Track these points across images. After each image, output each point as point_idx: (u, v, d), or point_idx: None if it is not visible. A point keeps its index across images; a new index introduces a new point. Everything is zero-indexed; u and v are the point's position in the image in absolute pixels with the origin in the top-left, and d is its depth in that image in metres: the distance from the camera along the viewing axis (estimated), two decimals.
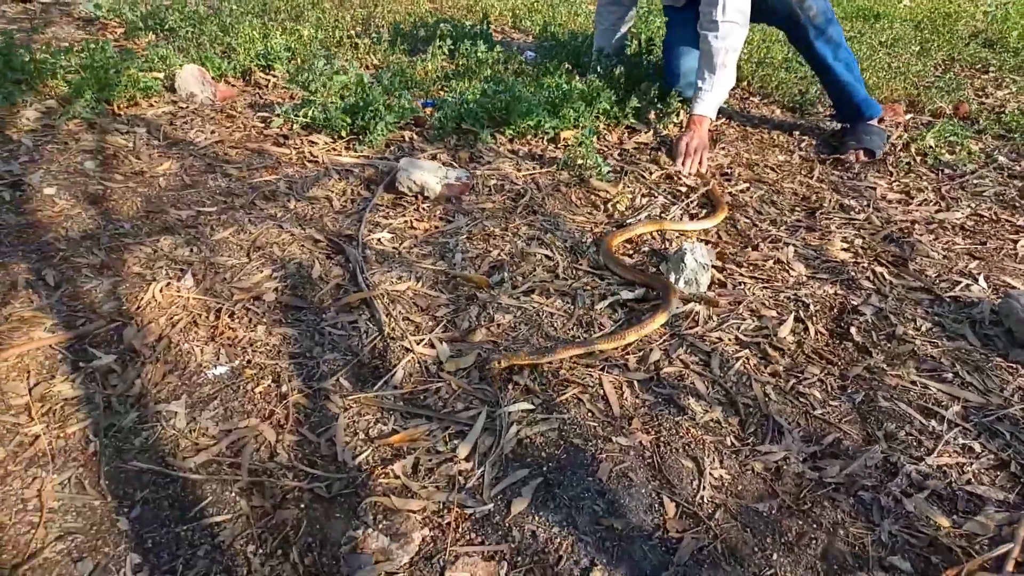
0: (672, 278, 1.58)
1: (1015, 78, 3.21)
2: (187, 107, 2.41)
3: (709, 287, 1.59)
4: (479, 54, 2.79)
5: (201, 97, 2.47)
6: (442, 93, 2.63)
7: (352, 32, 3.13)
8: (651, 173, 2.16)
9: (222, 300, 1.45)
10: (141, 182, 1.91)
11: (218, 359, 1.30)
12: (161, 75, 2.54)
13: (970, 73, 3.31)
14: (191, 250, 1.61)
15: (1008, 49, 3.60)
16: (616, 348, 1.38)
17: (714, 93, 2.24)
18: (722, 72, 2.20)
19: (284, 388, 1.25)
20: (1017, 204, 2.04)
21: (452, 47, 2.91)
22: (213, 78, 2.58)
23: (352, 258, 1.61)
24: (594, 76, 2.54)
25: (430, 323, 1.44)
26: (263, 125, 2.31)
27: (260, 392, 1.23)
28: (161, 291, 1.45)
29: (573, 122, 2.36)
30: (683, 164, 2.17)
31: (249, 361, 1.30)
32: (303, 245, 1.68)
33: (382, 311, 1.45)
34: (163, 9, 3.22)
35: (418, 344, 1.37)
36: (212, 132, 2.24)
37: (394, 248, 1.69)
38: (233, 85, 2.64)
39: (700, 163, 2.18)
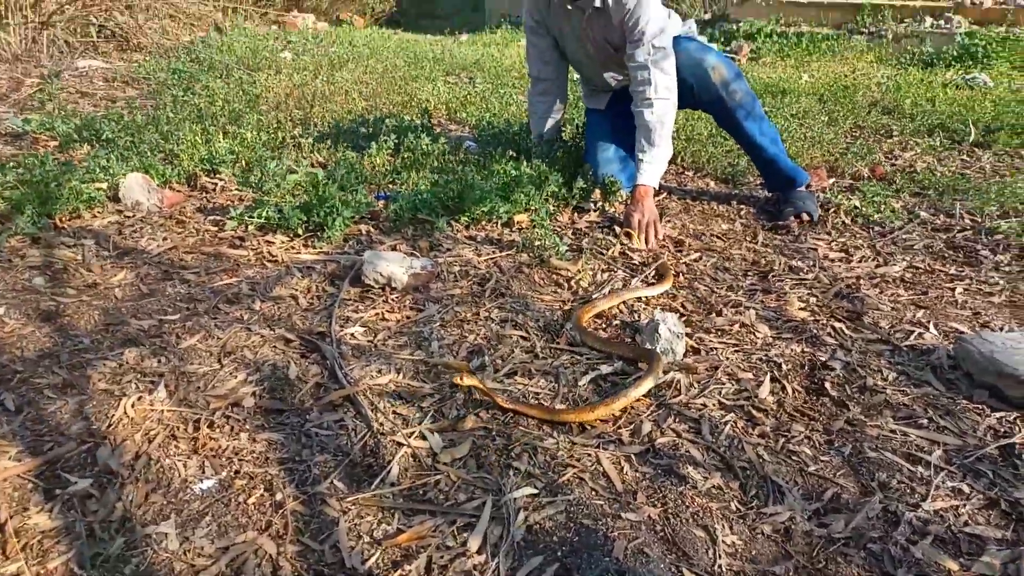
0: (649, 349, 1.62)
1: (917, 140, 3.50)
2: (134, 216, 2.37)
3: (684, 355, 1.63)
4: (424, 146, 2.86)
5: (147, 205, 2.44)
6: (393, 186, 2.67)
7: (294, 133, 3.17)
8: (608, 249, 2.23)
9: (199, 410, 1.40)
10: (96, 295, 1.85)
11: (203, 472, 1.25)
12: (104, 185, 2.50)
13: (877, 138, 3.59)
14: (159, 360, 1.56)
15: (905, 115, 3.93)
16: (597, 418, 1.39)
17: (655, 164, 2.38)
18: (660, 144, 2.37)
19: (278, 496, 1.20)
20: (946, 255, 2.20)
21: (396, 141, 2.97)
22: (158, 185, 2.55)
23: (328, 355, 1.59)
24: (538, 161, 2.64)
25: (418, 414, 1.42)
26: (216, 229, 2.29)
27: (253, 503, 1.18)
28: (133, 406, 1.39)
29: (524, 206, 2.43)
30: (639, 239, 2.25)
31: (237, 472, 1.25)
32: (275, 346, 1.64)
33: (367, 406, 1.42)
34: (97, 120, 3.19)
35: (410, 437, 1.34)
36: (164, 239, 2.20)
37: (369, 341, 1.67)
38: (179, 191, 2.61)
39: (656, 234, 2.27)
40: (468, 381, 1.39)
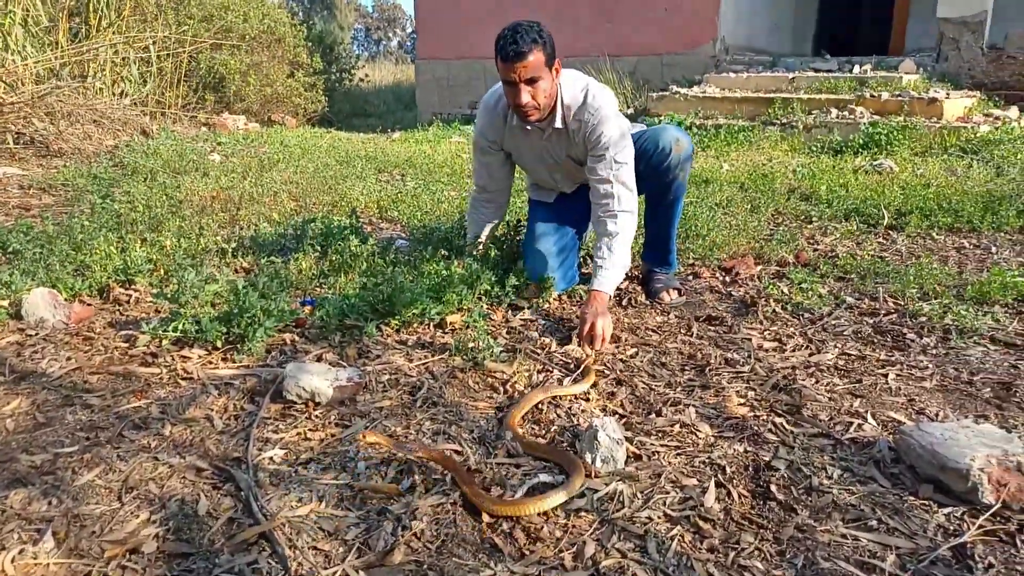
0: (588, 457, 1.54)
1: (835, 225, 3.63)
2: (36, 334, 2.21)
3: (626, 462, 1.56)
4: (353, 248, 2.80)
5: (53, 321, 2.28)
6: (320, 290, 2.59)
7: (217, 238, 3.07)
8: (543, 348, 2.18)
9: (91, 560, 1.24)
10: None
11: None
12: (5, 303, 2.34)
13: (798, 224, 3.72)
14: (49, 503, 1.40)
15: (822, 200, 4.10)
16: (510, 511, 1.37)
17: (613, 272, 2.33)
18: (620, 253, 2.34)
19: None
20: (875, 340, 2.22)
21: (324, 243, 2.90)
22: (66, 299, 2.40)
23: (243, 485, 1.46)
24: (471, 259, 2.60)
25: (341, 549, 1.29)
26: (127, 345, 2.14)
27: None
28: (13, 561, 1.22)
29: (457, 306, 2.38)
30: (598, 345, 2.17)
31: None
32: (184, 477, 1.50)
33: (284, 544, 1.29)
34: (4, 232, 3.02)
35: None
36: (68, 359, 2.04)
37: (289, 466, 1.55)
38: (89, 304, 2.46)
39: (603, 339, 2.18)
40: (371, 439, 1.50)
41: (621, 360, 2.11)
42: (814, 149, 6.05)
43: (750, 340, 2.24)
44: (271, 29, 9.52)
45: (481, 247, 2.71)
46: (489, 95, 2.53)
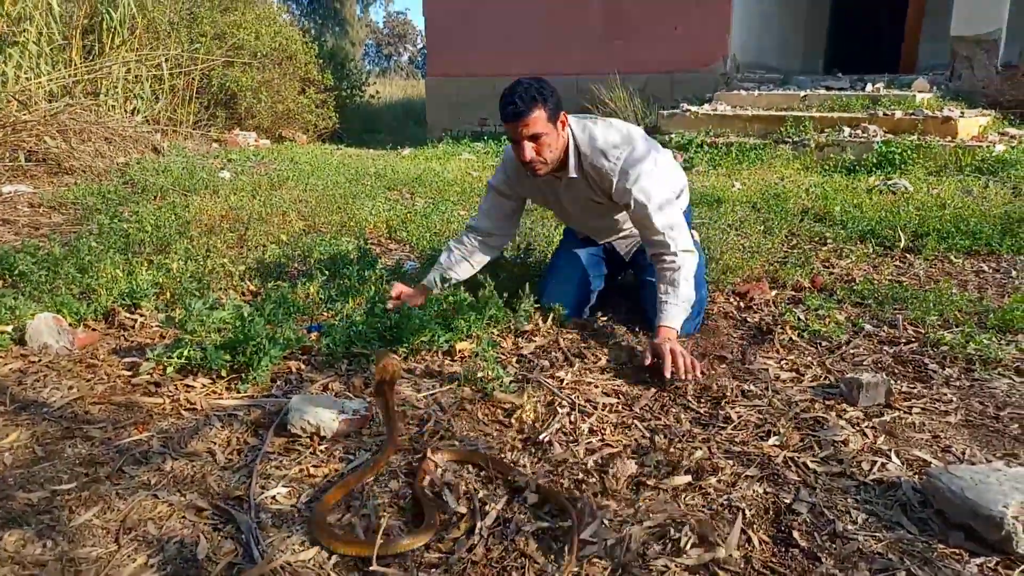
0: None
1: (851, 248, 3.57)
2: (39, 361, 2.18)
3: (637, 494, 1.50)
4: (358, 273, 2.76)
5: (56, 347, 2.25)
6: (327, 316, 2.55)
7: (225, 260, 3.04)
8: (554, 379, 2.12)
9: None
10: None
11: None
12: (9, 328, 2.31)
13: (812, 245, 3.66)
14: (44, 545, 1.35)
15: (836, 222, 4.04)
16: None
17: (678, 308, 2.21)
18: (684, 288, 2.23)
19: None
20: (896, 371, 2.16)
21: (331, 267, 2.87)
22: (70, 324, 2.37)
23: (244, 527, 1.41)
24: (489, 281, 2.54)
25: None
26: (130, 373, 2.10)
27: None
28: None
29: (466, 332, 2.33)
30: (690, 376, 2.05)
31: None
32: (184, 517, 1.45)
33: None
34: (11, 254, 3.00)
35: None
36: (70, 388, 2.00)
37: (292, 506, 1.50)
38: (94, 329, 2.43)
39: (691, 367, 2.05)
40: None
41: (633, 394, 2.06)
42: (827, 168, 6.00)
43: (767, 370, 2.18)
44: (283, 47, 9.57)
45: (440, 288, 2.52)
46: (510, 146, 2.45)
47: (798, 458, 1.67)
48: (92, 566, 1.30)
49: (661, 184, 2.33)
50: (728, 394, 2.01)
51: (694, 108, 7.51)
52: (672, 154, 2.68)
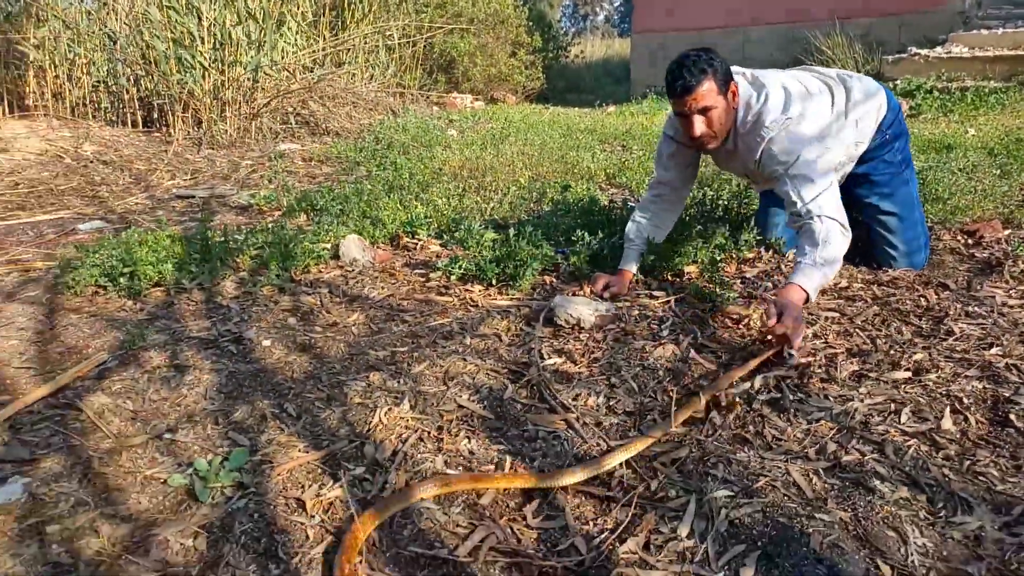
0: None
1: None
2: (352, 271, 2.80)
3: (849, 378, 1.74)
4: (591, 208, 3.14)
5: (363, 261, 2.87)
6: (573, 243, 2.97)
7: (477, 198, 3.57)
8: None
9: (436, 419, 1.69)
10: (338, 331, 2.23)
11: (447, 466, 1.52)
12: (328, 245, 2.97)
13: None
14: (398, 382, 1.88)
15: None
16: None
17: (817, 269, 2.02)
18: (827, 250, 2.05)
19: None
20: None
21: (564, 207, 3.27)
22: (370, 244, 2.99)
23: (535, 380, 1.85)
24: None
25: (625, 426, 1.63)
26: (423, 280, 2.66)
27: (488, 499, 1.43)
28: (385, 415, 1.70)
29: (693, 258, 2.63)
30: (779, 329, 1.87)
31: (473, 469, 1.51)
32: (488, 372, 1.93)
33: (578, 426, 1.66)
34: (312, 194, 3.74)
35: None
36: (382, 288, 2.59)
37: (567, 369, 1.92)
38: (386, 250, 3.04)
39: (793, 332, 1.86)
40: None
41: (848, 319, 2.25)
42: None
43: (993, 297, 2.27)
44: (496, 12, 10.19)
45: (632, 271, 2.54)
46: None
47: (1021, 365, 1.81)
48: (432, 397, 1.80)
49: (816, 169, 2.13)
50: (951, 312, 2.15)
51: (924, 52, 7.04)
52: (886, 91, 2.48)
